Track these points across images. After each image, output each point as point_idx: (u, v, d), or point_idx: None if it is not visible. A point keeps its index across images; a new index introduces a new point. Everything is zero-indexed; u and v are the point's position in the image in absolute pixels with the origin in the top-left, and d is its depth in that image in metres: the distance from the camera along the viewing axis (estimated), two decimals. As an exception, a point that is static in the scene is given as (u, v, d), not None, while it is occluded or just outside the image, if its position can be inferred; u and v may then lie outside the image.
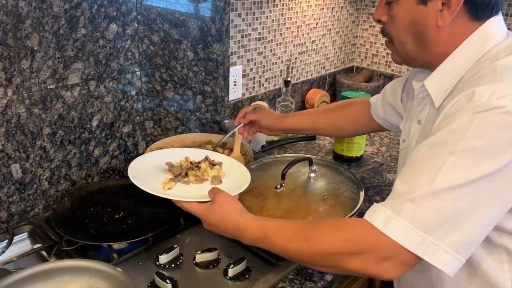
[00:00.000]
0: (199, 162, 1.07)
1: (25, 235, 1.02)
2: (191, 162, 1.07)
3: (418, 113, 0.85)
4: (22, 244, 1.01)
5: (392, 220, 0.65)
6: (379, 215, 0.67)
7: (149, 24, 1.18)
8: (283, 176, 1.04)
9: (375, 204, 0.70)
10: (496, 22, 0.75)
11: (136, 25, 1.15)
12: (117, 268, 0.79)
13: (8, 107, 0.96)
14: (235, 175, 1.03)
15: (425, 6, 0.74)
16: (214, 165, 1.07)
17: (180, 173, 1.01)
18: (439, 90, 0.77)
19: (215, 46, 1.38)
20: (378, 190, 1.28)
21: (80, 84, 1.07)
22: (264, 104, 1.55)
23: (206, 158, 1.09)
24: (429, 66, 0.81)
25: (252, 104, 1.26)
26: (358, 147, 1.43)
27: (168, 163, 1.05)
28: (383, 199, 1.23)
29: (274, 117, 1.23)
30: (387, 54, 2.01)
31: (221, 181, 1.00)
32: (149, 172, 1.02)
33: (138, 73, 1.20)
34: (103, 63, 1.10)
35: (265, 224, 0.78)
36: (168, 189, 0.96)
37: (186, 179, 1.01)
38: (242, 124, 1.23)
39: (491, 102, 0.63)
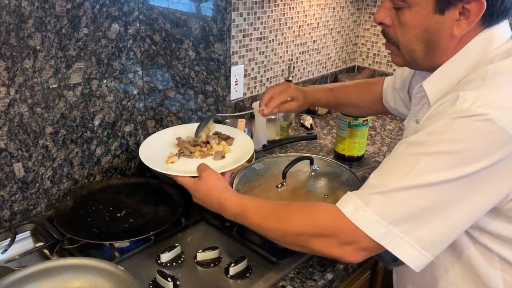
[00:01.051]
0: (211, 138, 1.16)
1: (27, 233, 1.03)
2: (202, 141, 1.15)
3: (416, 113, 0.86)
4: (24, 242, 1.01)
5: (361, 210, 0.68)
6: (348, 203, 0.70)
7: (151, 24, 1.18)
8: (284, 175, 1.04)
9: (348, 192, 0.73)
10: (502, 25, 0.74)
11: (138, 24, 1.15)
12: (119, 266, 0.80)
13: (11, 106, 0.96)
14: (239, 153, 1.10)
15: (442, 15, 0.71)
16: (223, 139, 1.15)
17: (183, 148, 1.11)
18: (436, 92, 0.76)
19: (217, 46, 1.38)
20: (379, 190, 1.28)
21: (82, 84, 1.08)
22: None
23: (217, 133, 1.17)
24: (433, 70, 0.80)
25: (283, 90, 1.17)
26: (359, 146, 1.43)
27: (178, 138, 1.15)
28: (384, 199, 1.25)
29: (301, 92, 1.20)
30: (389, 53, 2.01)
31: (223, 157, 1.07)
32: (160, 148, 1.13)
33: (140, 72, 1.20)
34: (105, 62, 1.11)
35: (244, 201, 0.84)
36: (171, 163, 1.06)
37: (190, 154, 1.09)
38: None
39: (472, 109, 0.63)
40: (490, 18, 0.72)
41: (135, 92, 1.21)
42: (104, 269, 0.80)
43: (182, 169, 1.02)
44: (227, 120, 1.48)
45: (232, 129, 1.24)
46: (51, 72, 1.01)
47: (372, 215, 0.67)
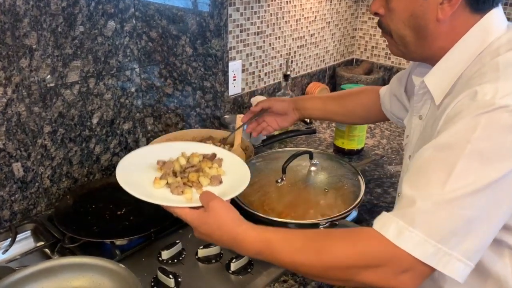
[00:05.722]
0: (196, 163, 0.93)
1: (28, 233, 1.03)
2: (188, 160, 0.94)
3: (419, 109, 0.85)
4: (25, 242, 1.01)
5: (405, 231, 0.63)
6: (390, 226, 0.64)
7: (147, 21, 1.18)
8: (283, 170, 1.04)
9: (384, 213, 0.67)
10: (496, 15, 0.73)
11: (134, 21, 1.14)
12: (120, 264, 0.80)
13: (8, 106, 0.96)
14: (234, 174, 0.92)
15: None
16: (208, 159, 0.94)
17: (171, 186, 0.86)
18: (439, 87, 0.76)
19: (214, 41, 1.38)
20: (379, 183, 1.28)
21: (79, 82, 1.07)
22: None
23: (204, 157, 0.96)
24: (429, 59, 0.80)
25: (258, 102, 1.22)
26: (359, 140, 1.43)
27: (160, 162, 0.92)
28: (384, 191, 1.25)
29: (287, 101, 1.20)
30: (387, 46, 2.00)
31: (221, 182, 0.88)
32: (140, 170, 0.90)
33: (137, 69, 1.20)
34: (102, 60, 1.10)
35: (267, 235, 0.72)
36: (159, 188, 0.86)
37: (181, 193, 0.84)
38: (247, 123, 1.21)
39: (495, 101, 0.61)
40: (476, 3, 0.71)
41: (132, 89, 1.21)
42: (105, 267, 0.80)
43: (174, 197, 0.83)
44: (225, 116, 1.47)
45: (205, 146, 1.02)
46: (48, 71, 1.00)
47: (418, 235, 0.62)
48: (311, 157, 1.11)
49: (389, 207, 1.16)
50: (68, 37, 1.02)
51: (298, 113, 1.21)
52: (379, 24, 0.83)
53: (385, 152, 1.48)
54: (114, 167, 1.23)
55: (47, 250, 0.97)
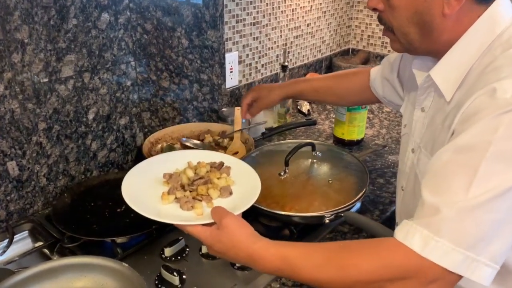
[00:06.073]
0: (201, 176, 0.88)
1: (25, 233, 1.00)
2: (195, 172, 0.89)
3: (422, 101, 0.82)
4: (23, 243, 0.99)
5: (431, 241, 0.60)
6: (414, 236, 0.62)
7: (141, 12, 1.14)
8: (286, 163, 1.02)
9: (405, 221, 0.64)
10: (502, 4, 0.71)
11: (128, 13, 1.11)
12: (123, 263, 0.78)
13: (1, 103, 0.93)
14: (244, 183, 0.87)
15: None
16: (216, 168, 0.90)
17: (181, 201, 0.81)
18: (447, 81, 0.73)
19: (210, 33, 1.35)
20: (381, 173, 1.27)
21: (74, 77, 1.04)
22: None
23: (211, 166, 0.91)
24: (433, 53, 0.77)
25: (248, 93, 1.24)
26: (359, 130, 1.41)
27: (166, 175, 0.87)
28: (386, 181, 1.24)
29: (275, 86, 1.22)
30: (384, 35, 1.98)
31: (231, 193, 0.84)
32: (146, 185, 0.85)
33: (133, 63, 1.17)
34: (96, 54, 1.07)
35: (285, 251, 0.69)
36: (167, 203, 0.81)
37: (191, 208, 0.80)
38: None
39: None
40: None
41: (128, 83, 1.17)
42: (108, 267, 0.77)
43: (184, 213, 0.79)
44: (223, 109, 1.45)
45: (211, 154, 0.96)
46: (41, 66, 0.97)
47: (445, 244, 0.60)
48: (313, 149, 1.09)
49: (392, 197, 1.14)
50: (61, 31, 0.98)
51: (286, 98, 1.23)
52: (380, 20, 0.79)
53: (385, 142, 1.47)
54: (112, 163, 1.21)
55: (46, 251, 0.94)
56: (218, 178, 0.86)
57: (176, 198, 0.81)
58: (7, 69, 0.92)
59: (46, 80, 0.99)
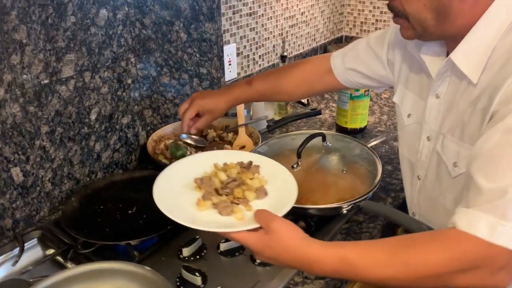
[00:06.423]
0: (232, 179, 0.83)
1: (34, 241, 0.96)
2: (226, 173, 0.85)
3: (437, 88, 0.80)
4: (32, 251, 0.95)
5: (498, 226, 0.59)
6: (479, 223, 0.60)
7: (139, 7, 1.11)
8: (298, 155, 1.01)
9: (464, 209, 0.63)
10: None
11: (126, 8, 1.07)
12: (145, 266, 0.75)
13: (2, 107, 0.89)
14: (276, 181, 0.83)
15: None
16: (245, 168, 0.86)
17: (219, 206, 0.77)
18: (471, 63, 0.72)
19: (208, 25, 1.32)
20: (388, 160, 1.26)
21: (74, 77, 1.00)
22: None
23: (241, 166, 0.86)
24: (447, 38, 0.75)
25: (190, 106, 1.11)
26: (362, 118, 1.40)
27: (197, 180, 0.83)
28: (394, 168, 1.23)
29: (216, 94, 1.13)
30: (376, 21, 1.97)
31: (266, 193, 0.80)
32: (178, 192, 0.81)
33: (133, 59, 1.13)
34: (96, 52, 1.03)
35: (343, 251, 0.67)
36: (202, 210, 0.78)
37: (231, 212, 0.76)
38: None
39: None
40: None
41: (129, 81, 1.14)
42: (129, 271, 0.75)
43: (224, 218, 0.75)
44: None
45: (236, 153, 0.94)
46: (40, 66, 0.93)
47: None
48: (323, 139, 1.08)
49: (402, 184, 1.14)
50: (60, 29, 0.94)
51: (228, 105, 1.13)
52: (391, 9, 0.77)
53: (387, 128, 1.46)
54: (116, 164, 1.18)
55: (59, 258, 0.91)
56: (250, 179, 0.82)
57: (213, 204, 0.78)
58: (7, 72, 0.88)
59: (47, 81, 0.95)
